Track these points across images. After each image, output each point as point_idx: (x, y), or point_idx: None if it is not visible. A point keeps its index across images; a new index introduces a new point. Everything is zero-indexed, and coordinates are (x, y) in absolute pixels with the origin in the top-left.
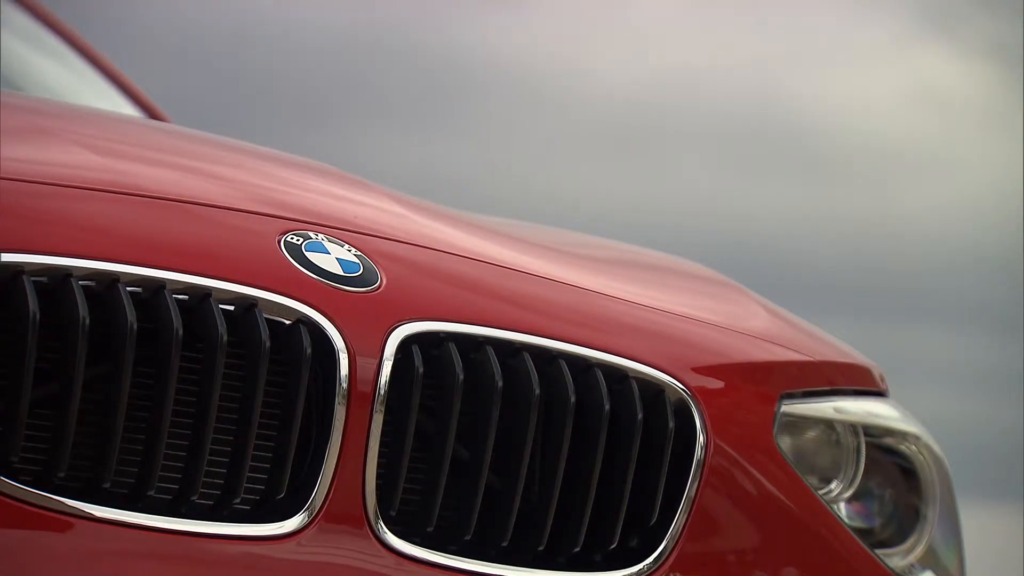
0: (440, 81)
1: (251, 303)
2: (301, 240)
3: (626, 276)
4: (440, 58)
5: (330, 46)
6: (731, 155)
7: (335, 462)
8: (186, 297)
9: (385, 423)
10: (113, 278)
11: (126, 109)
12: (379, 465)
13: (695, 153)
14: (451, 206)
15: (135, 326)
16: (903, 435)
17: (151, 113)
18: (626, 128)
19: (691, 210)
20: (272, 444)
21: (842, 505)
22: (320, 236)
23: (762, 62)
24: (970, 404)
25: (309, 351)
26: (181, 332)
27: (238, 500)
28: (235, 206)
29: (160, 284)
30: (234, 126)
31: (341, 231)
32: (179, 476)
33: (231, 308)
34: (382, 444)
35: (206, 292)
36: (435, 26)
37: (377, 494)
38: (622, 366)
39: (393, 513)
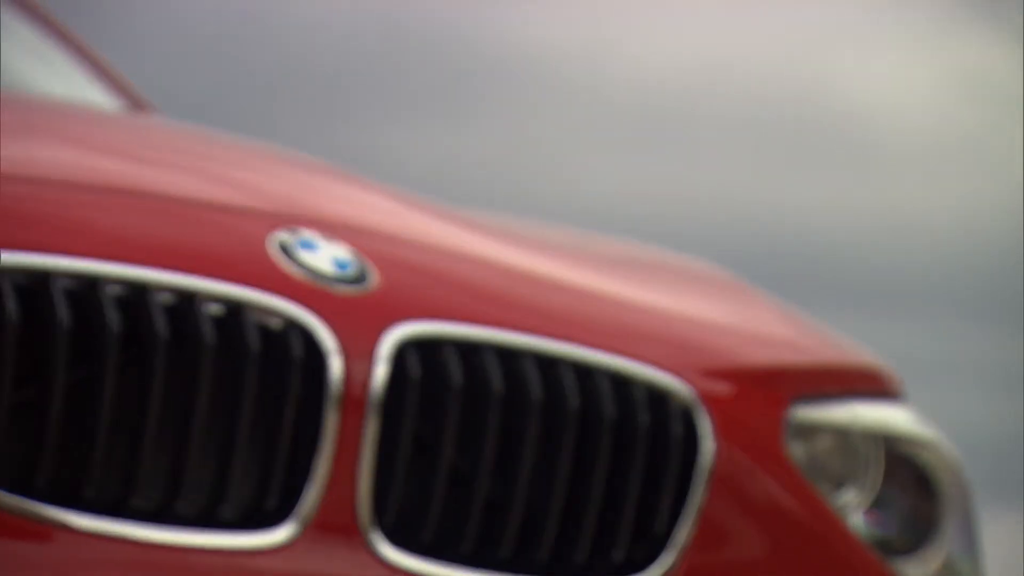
0: (460, 69)
1: (239, 304)
2: (293, 238)
3: (632, 276)
4: (460, 45)
5: (348, 33)
6: (765, 144)
7: (327, 470)
8: (171, 298)
9: (379, 429)
10: (95, 279)
11: (104, 95)
12: (374, 473)
13: (727, 142)
14: (469, 198)
15: (117, 330)
16: (920, 443)
17: (132, 99)
18: (656, 117)
19: (721, 201)
20: (262, 450)
21: (856, 515)
22: (313, 234)
23: (795, 49)
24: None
25: (300, 354)
26: (165, 335)
27: (226, 508)
28: (223, 203)
29: (144, 285)
30: (246, 119)
31: (335, 229)
32: (165, 482)
33: (218, 309)
34: (377, 451)
35: (192, 293)
36: (454, 13)
37: (371, 503)
38: (627, 370)
39: (388, 523)
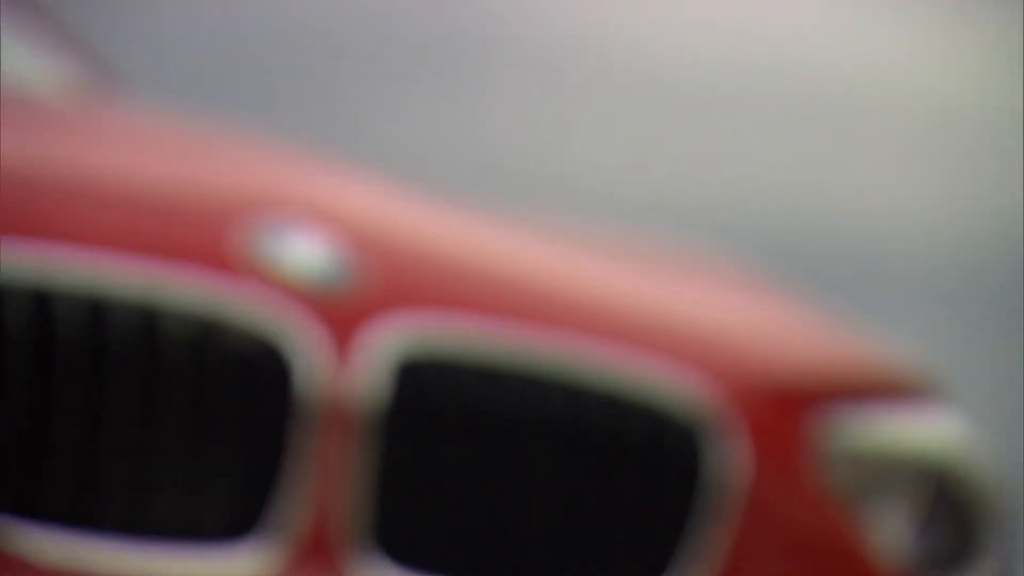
0: (468, 47)
1: (209, 309)
2: (270, 232)
3: (651, 276)
4: (470, 22)
5: (352, 13)
6: (800, 125)
7: (311, 491)
8: (130, 303)
9: (368, 447)
10: (47, 284)
11: (67, 65)
12: (363, 493)
13: (759, 123)
14: (485, 180)
15: (69, 336)
16: (964, 458)
17: (99, 69)
18: (681, 96)
19: (751, 186)
20: (233, 468)
21: (895, 538)
22: (293, 227)
23: (831, 24)
24: None
25: (277, 366)
26: (123, 347)
27: (199, 529)
28: (194, 193)
29: (101, 289)
30: (246, 96)
31: (317, 221)
32: (130, 497)
33: (184, 316)
34: (360, 469)
35: (154, 297)
36: None
37: (360, 524)
38: (645, 384)
39: (377, 545)
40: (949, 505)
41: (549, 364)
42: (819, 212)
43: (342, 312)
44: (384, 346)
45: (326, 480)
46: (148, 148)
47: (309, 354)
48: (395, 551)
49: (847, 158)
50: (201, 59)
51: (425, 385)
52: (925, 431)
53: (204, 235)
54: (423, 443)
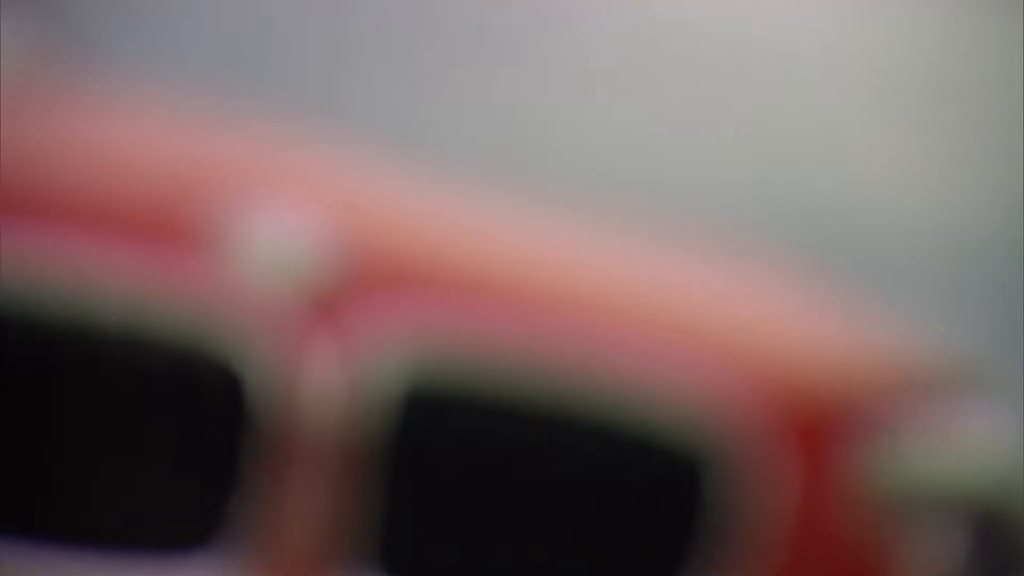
0: (477, 22)
1: (170, 318)
2: (240, 222)
3: (671, 280)
4: None
5: None
6: (798, 105)
7: (301, 513)
8: (81, 308)
9: (358, 470)
10: None
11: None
12: (361, 514)
13: (757, 101)
14: (509, 164)
15: (12, 352)
16: (1009, 477)
17: (63, 32)
18: (678, 71)
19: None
20: (199, 481)
21: (939, 558)
22: (268, 217)
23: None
24: None
25: (250, 384)
26: (76, 358)
27: (161, 543)
28: (151, 183)
29: (45, 296)
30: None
31: (296, 210)
32: (88, 510)
33: (143, 328)
34: (363, 490)
35: (107, 306)
36: None
37: (354, 546)
38: (670, 407)
39: (373, 570)
40: (995, 525)
41: (556, 387)
42: (815, 194)
43: (321, 312)
44: (372, 356)
45: (300, 495)
46: (115, 126)
47: (274, 362)
48: (393, 569)
49: (844, 139)
50: (199, 35)
51: (417, 407)
52: (966, 449)
53: (174, 232)
54: (417, 466)
